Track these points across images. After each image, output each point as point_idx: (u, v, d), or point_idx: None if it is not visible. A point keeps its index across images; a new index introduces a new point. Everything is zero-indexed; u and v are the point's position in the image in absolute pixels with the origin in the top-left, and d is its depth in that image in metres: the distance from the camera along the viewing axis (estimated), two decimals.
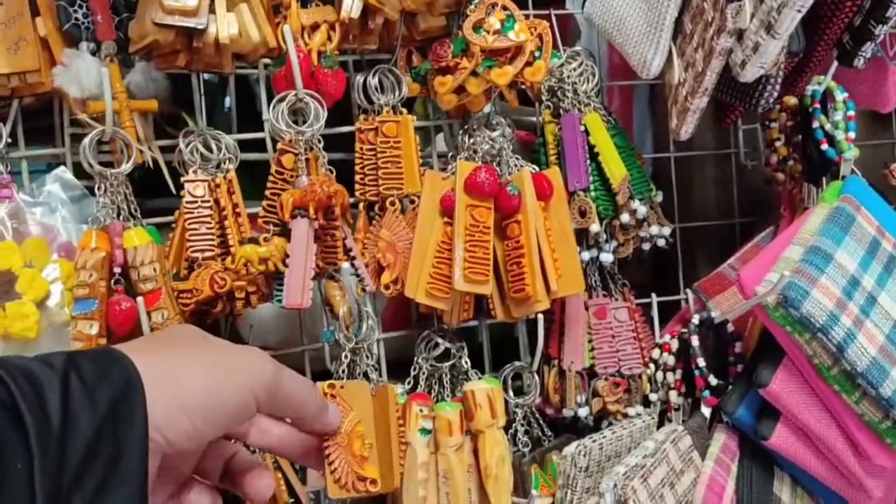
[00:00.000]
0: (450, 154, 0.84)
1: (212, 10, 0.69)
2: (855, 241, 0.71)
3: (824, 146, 0.77)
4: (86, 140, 0.67)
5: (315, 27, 0.75)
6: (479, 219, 0.74)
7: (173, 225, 0.73)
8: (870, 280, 0.70)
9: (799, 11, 0.64)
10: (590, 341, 0.83)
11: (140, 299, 0.67)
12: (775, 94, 0.72)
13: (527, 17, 0.78)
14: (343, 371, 0.77)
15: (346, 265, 0.74)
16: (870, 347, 0.67)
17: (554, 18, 0.84)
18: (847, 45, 0.72)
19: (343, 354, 0.75)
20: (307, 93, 0.72)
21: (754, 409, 0.74)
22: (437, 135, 0.91)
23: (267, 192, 0.73)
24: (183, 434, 0.41)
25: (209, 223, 0.71)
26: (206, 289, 0.69)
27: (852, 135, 0.77)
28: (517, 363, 0.83)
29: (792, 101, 0.81)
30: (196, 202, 0.71)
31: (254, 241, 0.72)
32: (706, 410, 0.79)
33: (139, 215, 0.71)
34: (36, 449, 0.34)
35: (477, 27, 0.76)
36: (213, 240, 0.71)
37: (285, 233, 0.72)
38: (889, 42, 0.73)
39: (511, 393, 0.82)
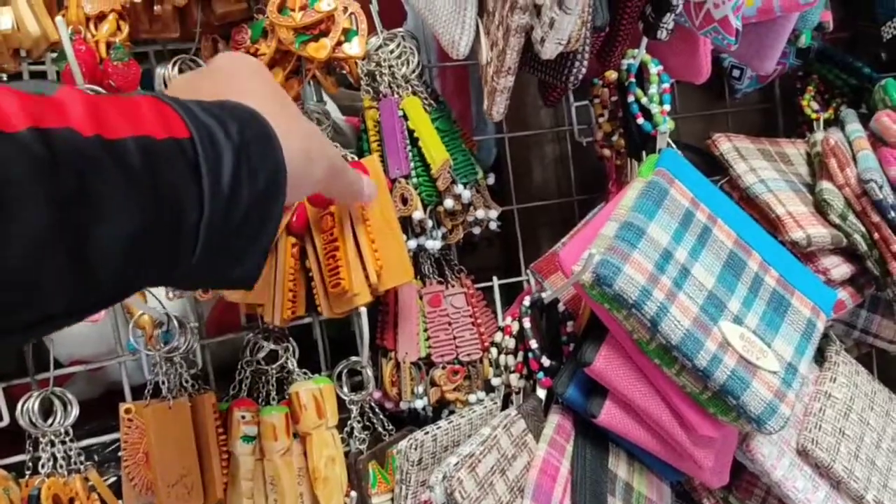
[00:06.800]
0: None
1: None
2: (668, 215, 0.71)
3: (640, 120, 0.77)
4: None
5: (102, 17, 0.70)
6: None
7: None
8: (683, 252, 0.70)
9: None
10: (426, 330, 0.81)
11: None
12: (583, 70, 0.71)
13: None
14: (163, 382, 0.73)
15: None
16: (683, 320, 0.66)
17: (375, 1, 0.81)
18: (650, 18, 0.71)
19: (155, 365, 0.71)
20: (90, 88, 0.67)
21: (584, 388, 0.74)
22: None
23: None
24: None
25: None
26: None
27: (667, 108, 0.77)
28: (352, 359, 0.81)
29: (613, 75, 0.81)
30: None
31: None
32: (542, 392, 0.77)
33: None
34: (207, 207, 0.41)
35: (282, 8, 0.72)
36: None
37: None
38: (694, 11, 0.72)
39: (347, 389, 0.80)
